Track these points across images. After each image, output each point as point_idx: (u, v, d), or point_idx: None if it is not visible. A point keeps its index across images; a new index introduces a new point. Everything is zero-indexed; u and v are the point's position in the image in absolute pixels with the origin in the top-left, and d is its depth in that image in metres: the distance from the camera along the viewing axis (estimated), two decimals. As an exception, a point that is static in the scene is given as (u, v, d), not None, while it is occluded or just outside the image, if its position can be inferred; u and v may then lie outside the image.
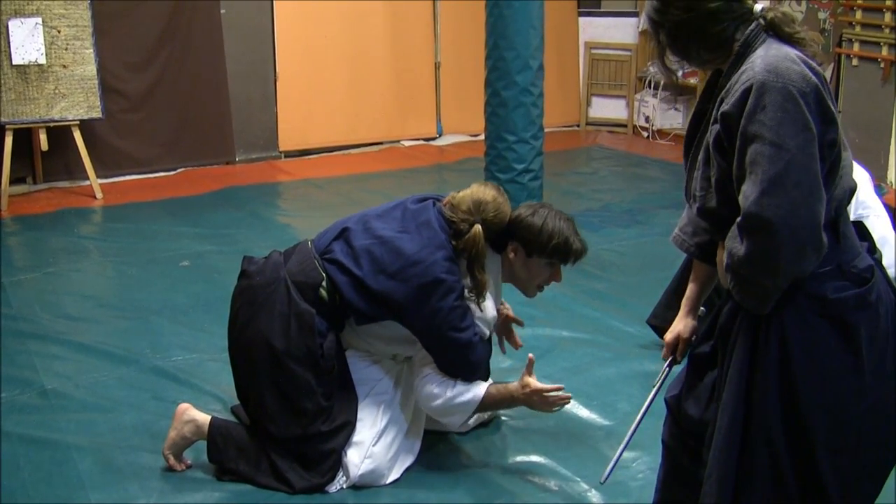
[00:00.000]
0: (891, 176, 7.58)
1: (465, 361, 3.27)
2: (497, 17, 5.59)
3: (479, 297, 3.31)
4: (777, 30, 2.16)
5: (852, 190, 2.21)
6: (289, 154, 8.76)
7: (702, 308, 2.70)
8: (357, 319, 3.34)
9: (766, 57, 2.08)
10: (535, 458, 3.55)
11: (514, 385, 3.30)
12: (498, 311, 3.56)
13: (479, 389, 3.29)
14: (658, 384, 2.81)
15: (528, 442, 3.67)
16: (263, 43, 8.49)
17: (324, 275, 3.28)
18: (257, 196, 7.43)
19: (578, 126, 10.07)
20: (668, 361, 2.76)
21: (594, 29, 9.96)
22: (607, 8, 10.02)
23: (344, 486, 3.32)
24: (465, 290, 3.28)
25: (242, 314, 3.37)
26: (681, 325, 2.70)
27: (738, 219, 2.08)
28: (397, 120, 9.20)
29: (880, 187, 7.36)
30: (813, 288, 2.13)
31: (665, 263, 5.05)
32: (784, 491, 2.20)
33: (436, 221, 3.30)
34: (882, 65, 7.52)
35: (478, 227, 3.26)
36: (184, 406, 3.45)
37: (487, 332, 3.40)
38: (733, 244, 2.10)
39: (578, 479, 3.39)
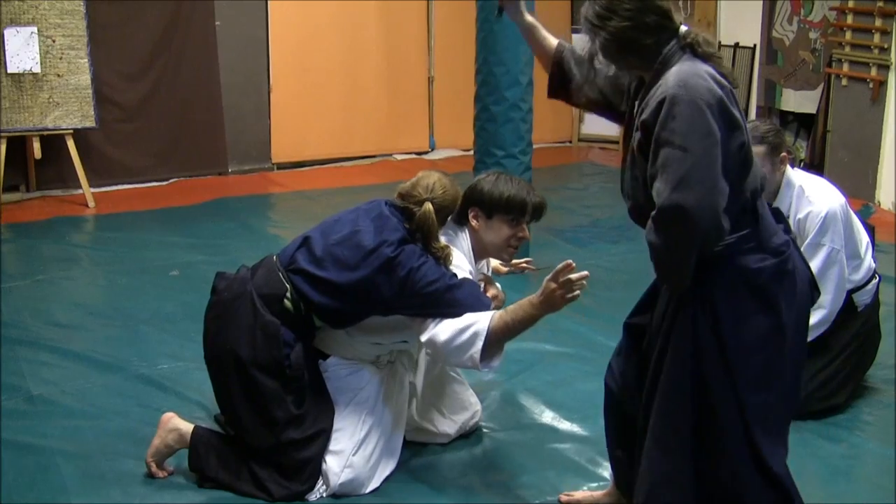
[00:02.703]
0: (879, 195, 7.64)
1: (456, 301, 3.20)
2: (487, 33, 5.62)
3: (447, 264, 3.33)
4: (695, 49, 2.48)
5: (764, 178, 2.64)
6: (281, 166, 8.82)
7: None
8: (334, 323, 3.37)
9: (679, 73, 2.42)
10: (515, 470, 3.58)
11: (528, 298, 3.10)
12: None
13: (485, 314, 3.15)
14: None
15: (508, 454, 3.70)
16: (258, 55, 8.55)
17: (288, 286, 3.32)
18: (249, 207, 7.48)
19: (571, 142, 10.12)
20: None
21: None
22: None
23: (324, 495, 3.36)
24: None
25: (212, 328, 3.43)
26: None
27: (653, 213, 2.40)
28: (390, 133, 9.25)
29: (868, 206, 7.44)
30: (738, 262, 2.50)
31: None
32: (721, 429, 2.55)
33: (388, 211, 3.37)
34: (871, 85, 7.58)
35: (427, 205, 3.32)
36: (168, 415, 3.49)
37: (468, 275, 3.39)
38: (650, 237, 2.43)
39: (557, 493, 3.41)
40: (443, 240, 3.40)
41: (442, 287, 3.20)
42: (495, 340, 3.14)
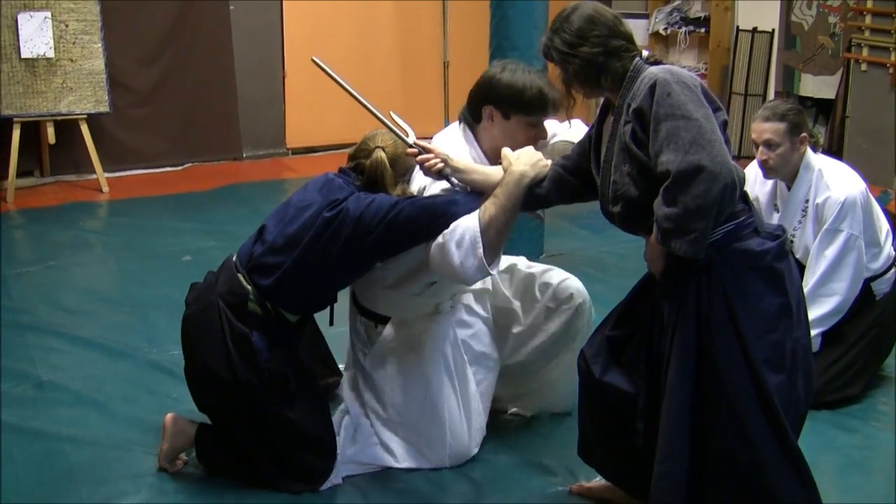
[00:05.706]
0: (898, 182, 7.56)
1: (434, 214, 3.05)
2: (500, 18, 5.58)
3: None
4: (660, 64, 2.67)
5: (741, 170, 2.69)
6: (296, 151, 8.78)
7: None
8: (307, 308, 3.33)
9: (659, 67, 2.63)
10: (523, 460, 3.55)
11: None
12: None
13: (470, 216, 3.01)
14: None
15: (516, 443, 3.66)
16: (272, 40, 8.50)
17: (249, 287, 3.19)
18: (263, 193, 7.45)
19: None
20: None
21: (604, 30, 9.93)
22: (617, 9, 9.94)
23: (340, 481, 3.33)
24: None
25: (187, 346, 3.34)
26: None
27: (666, 183, 2.48)
28: (405, 118, 9.07)
29: (887, 193, 7.35)
30: (741, 246, 2.64)
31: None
32: (745, 417, 2.62)
33: (334, 177, 3.26)
34: (890, 70, 7.49)
35: (378, 152, 3.23)
36: (170, 417, 3.41)
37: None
38: (662, 210, 2.50)
39: (567, 484, 3.39)
40: (413, 187, 3.26)
41: (406, 209, 3.06)
42: (492, 223, 2.98)
